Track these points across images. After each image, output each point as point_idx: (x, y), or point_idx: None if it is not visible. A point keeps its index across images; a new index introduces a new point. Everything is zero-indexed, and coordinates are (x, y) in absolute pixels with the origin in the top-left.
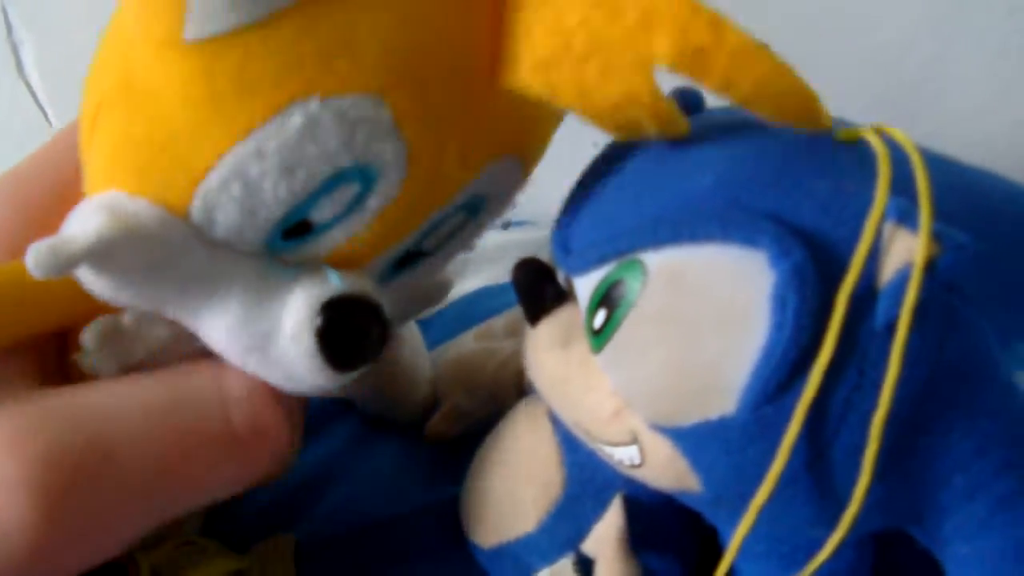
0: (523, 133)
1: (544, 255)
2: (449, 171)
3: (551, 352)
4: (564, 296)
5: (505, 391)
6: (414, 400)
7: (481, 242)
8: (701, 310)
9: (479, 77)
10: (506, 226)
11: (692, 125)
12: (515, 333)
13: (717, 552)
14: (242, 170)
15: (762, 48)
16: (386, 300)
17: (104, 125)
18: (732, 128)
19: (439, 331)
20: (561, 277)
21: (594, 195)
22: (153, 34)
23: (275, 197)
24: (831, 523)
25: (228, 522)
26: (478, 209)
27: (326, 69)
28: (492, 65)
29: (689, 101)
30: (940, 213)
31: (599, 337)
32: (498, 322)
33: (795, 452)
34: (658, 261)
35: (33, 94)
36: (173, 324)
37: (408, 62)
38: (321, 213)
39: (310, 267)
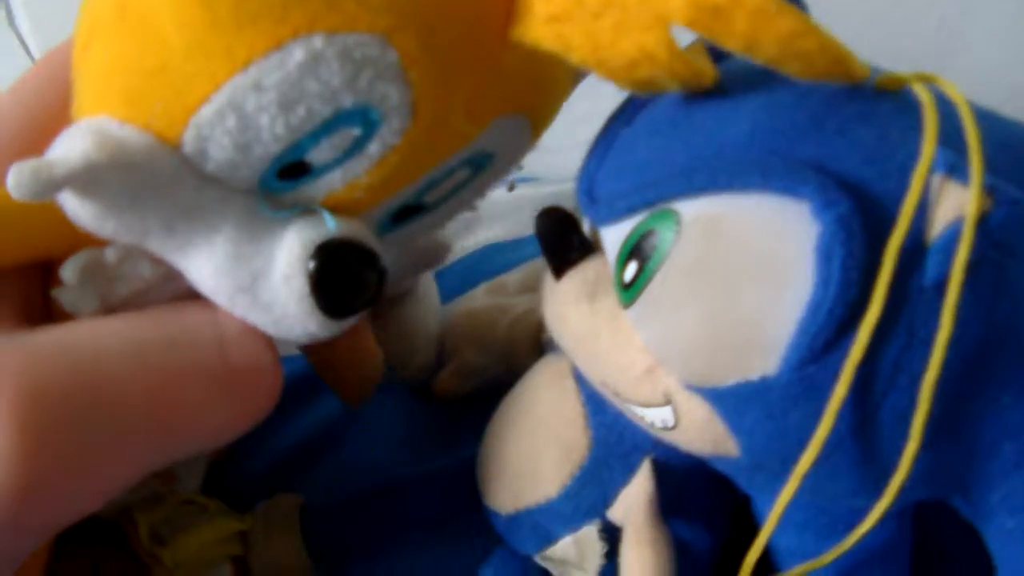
0: (535, 92)
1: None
2: (455, 123)
3: (577, 306)
4: (590, 247)
5: (518, 349)
6: (416, 363)
7: (490, 197)
8: (740, 262)
9: (492, 28)
10: (511, 188)
11: (725, 69)
12: (528, 289)
13: (745, 523)
14: (238, 103)
15: (783, 5)
16: (383, 253)
17: (97, 49)
18: (767, 72)
19: (448, 286)
20: (586, 227)
21: (622, 141)
22: None
23: (272, 133)
24: (874, 492)
25: (230, 482)
26: (483, 166)
27: (332, 5)
28: (506, 17)
29: None
30: (989, 167)
31: (630, 291)
32: (510, 278)
33: (841, 416)
34: (693, 211)
35: (24, 44)
36: (158, 263)
37: (418, 4)
38: (320, 155)
39: (305, 209)
